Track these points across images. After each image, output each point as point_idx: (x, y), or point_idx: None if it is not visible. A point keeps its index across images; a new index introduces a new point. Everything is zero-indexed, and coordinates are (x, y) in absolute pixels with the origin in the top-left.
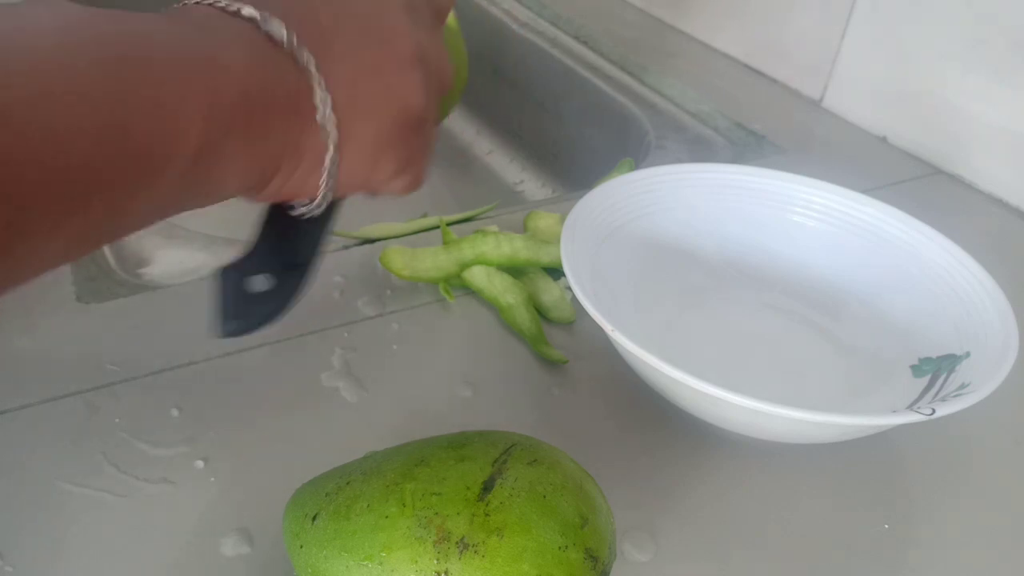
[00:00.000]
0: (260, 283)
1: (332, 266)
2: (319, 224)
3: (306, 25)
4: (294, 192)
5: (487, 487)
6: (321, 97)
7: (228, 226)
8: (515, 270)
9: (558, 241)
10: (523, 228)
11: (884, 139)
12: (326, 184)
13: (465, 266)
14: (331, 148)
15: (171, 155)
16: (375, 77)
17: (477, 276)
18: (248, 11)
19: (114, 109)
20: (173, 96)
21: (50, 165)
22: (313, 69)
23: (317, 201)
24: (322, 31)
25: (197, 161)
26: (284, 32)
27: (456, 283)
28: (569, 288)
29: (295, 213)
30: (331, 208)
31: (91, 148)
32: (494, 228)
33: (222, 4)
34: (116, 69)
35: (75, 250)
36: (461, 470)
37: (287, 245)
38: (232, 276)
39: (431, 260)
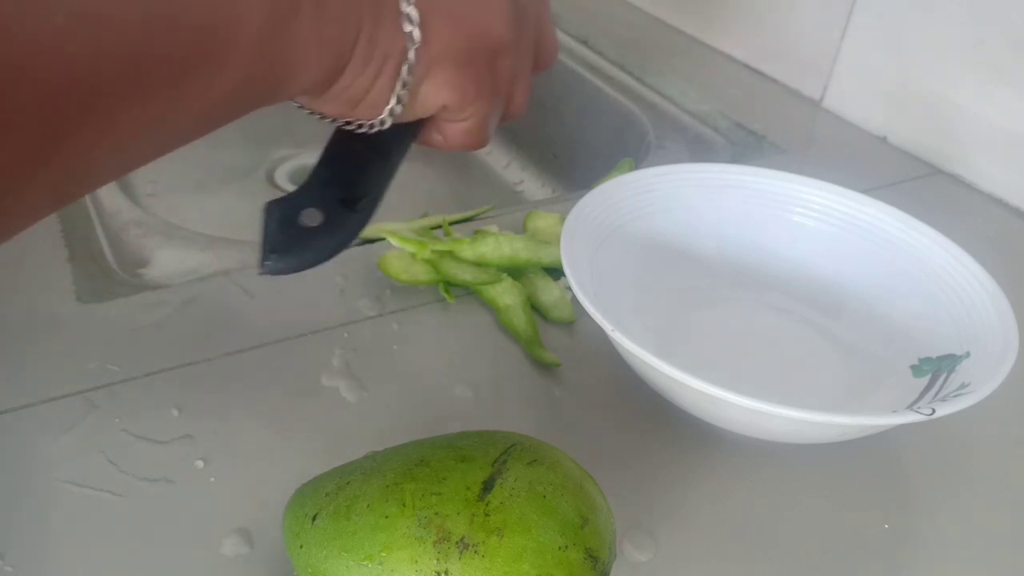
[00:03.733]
0: (311, 217)
1: (332, 266)
2: (383, 158)
3: None
4: (356, 98)
5: (487, 487)
6: None
7: (228, 226)
8: (515, 270)
9: (558, 241)
10: (523, 228)
11: (884, 139)
12: (400, 89)
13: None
14: (412, 47)
15: (235, 29)
16: None
17: (488, 245)
18: None
19: None
20: None
21: (92, 49)
22: None
23: (388, 109)
24: None
25: (263, 42)
26: None
27: (456, 283)
28: (569, 288)
29: (363, 129)
30: (395, 141)
31: (130, 30)
32: (494, 228)
33: None
34: None
35: (128, 156)
36: (461, 470)
37: (345, 179)
38: (281, 207)
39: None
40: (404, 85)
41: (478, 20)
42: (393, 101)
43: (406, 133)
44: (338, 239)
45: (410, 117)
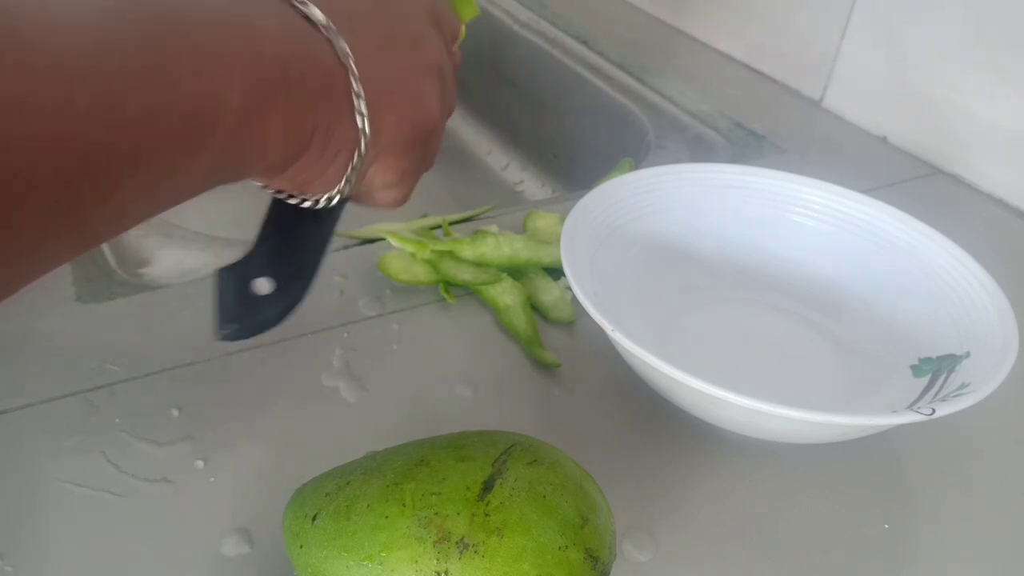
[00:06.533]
0: (262, 286)
1: (332, 266)
2: (323, 227)
3: (340, 16)
4: (310, 179)
5: (487, 487)
6: (356, 89)
7: (228, 226)
8: (515, 270)
9: (558, 241)
10: (523, 228)
11: (884, 139)
12: (350, 175)
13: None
14: (363, 139)
15: (216, 118)
16: (401, 80)
17: (488, 245)
18: None
19: (155, 75)
20: (214, 59)
21: (107, 134)
22: (351, 61)
23: (338, 189)
24: (355, 26)
25: (240, 126)
26: (323, 17)
27: (456, 283)
28: (569, 288)
29: (308, 204)
30: (335, 211)
31: (135, 115)
32: (494, 228)
33: None
34: (154, 33)
35: (116, 225)
36: (461, 470)
37: (290, 248)
38: (234, 276)
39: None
40: (354, 170)
41: (417, 110)
42: (343, 183)
43: (341, 203)
44: (285, 304)
45: (353, 193)
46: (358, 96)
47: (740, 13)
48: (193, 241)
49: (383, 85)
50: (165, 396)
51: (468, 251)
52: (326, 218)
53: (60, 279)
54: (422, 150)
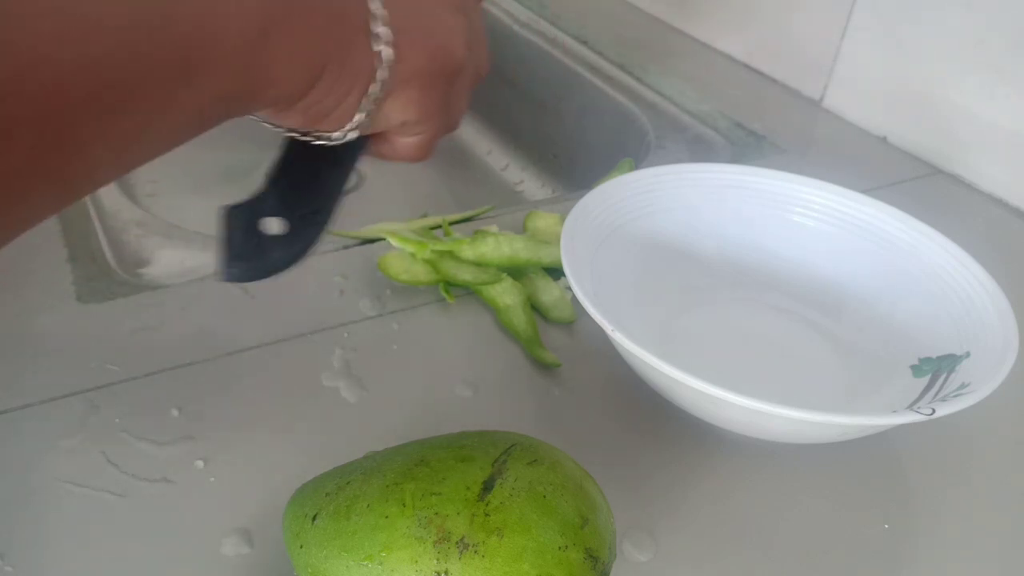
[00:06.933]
0: (272, 226)
1: (332, 266)
2: (340, 168)
3: None
4: (325, 112)
5: (487, 487)
6: (373, 10)
7: None
8: (515, 270)
9: (558, 241)
10: (523, 228)
11: (884, 139)
12: (367, 108)
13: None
14: (381, 67)
15: (214, 48)
16: (427, 11)
17: (488, 245)
18: None
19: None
20: None
21: (84, 60)
22: None
23: (354, 122)
24: None
25: (242, 55)
26: None
27: (456, 283)
28: (569, 288)
29: (321, 141)
30: (353, 150)
31: (130, 39)
32: (494, 228)
33: None
34: None
35: (118, 162)
36: (461, 470)
37: (304, 189)
38: (243, 214)
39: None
40: (373, 100)
41: (442, 42)
42: (359, 117)
43: (359, 144)
44: (298, 248)
45: (370, 131)
46: (374, 17)
47: (740, 13)
48: (193, 241)
49: (407, 13)
50: (165, 396)
51: (468, 251)
52: (343, 157)
53: (60, 279)
54: (445, 89)
